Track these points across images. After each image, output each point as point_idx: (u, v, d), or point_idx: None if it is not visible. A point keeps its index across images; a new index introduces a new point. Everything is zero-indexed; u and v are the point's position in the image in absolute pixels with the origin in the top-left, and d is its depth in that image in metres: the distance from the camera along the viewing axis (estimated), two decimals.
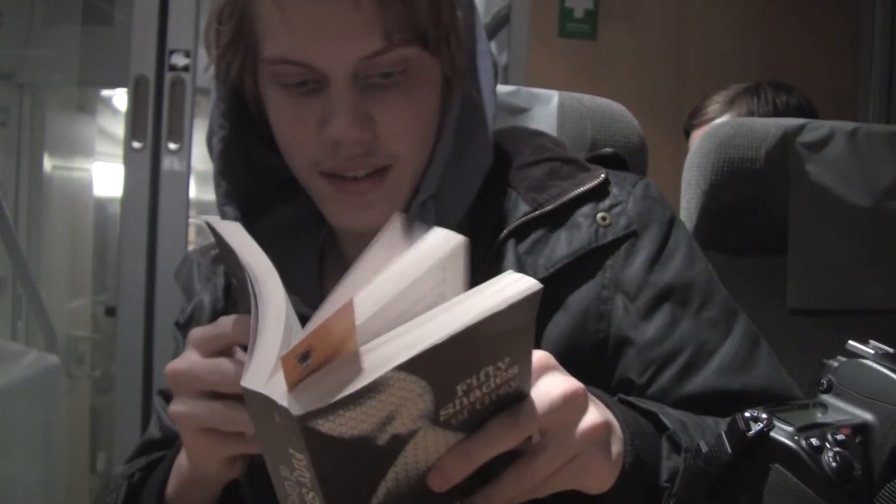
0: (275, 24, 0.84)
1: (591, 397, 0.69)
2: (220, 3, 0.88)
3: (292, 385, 0.56)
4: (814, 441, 0.62)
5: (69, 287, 3.34)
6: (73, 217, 3.43)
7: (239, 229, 0.75)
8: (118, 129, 3.63)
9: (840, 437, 0.63)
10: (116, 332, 2.52)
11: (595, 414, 0.67)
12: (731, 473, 0.64)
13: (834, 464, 0.61)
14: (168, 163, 2.41)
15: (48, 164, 3.17)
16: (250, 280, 0.68)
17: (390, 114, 0.86)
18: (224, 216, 0.94)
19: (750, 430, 0.63)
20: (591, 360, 0.91)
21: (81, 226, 3.49)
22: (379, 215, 0.89)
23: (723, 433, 0.65)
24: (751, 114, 1.86)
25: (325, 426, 0.56)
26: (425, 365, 0.56)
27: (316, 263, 0.99)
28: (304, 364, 0.56)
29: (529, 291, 0.59)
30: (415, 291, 0.63)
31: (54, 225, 3.20)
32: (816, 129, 1.52)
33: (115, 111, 3.73)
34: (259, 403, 0.58)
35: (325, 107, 0.85)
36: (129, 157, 2.43)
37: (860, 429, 0.64)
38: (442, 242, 0.66)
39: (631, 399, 0.83)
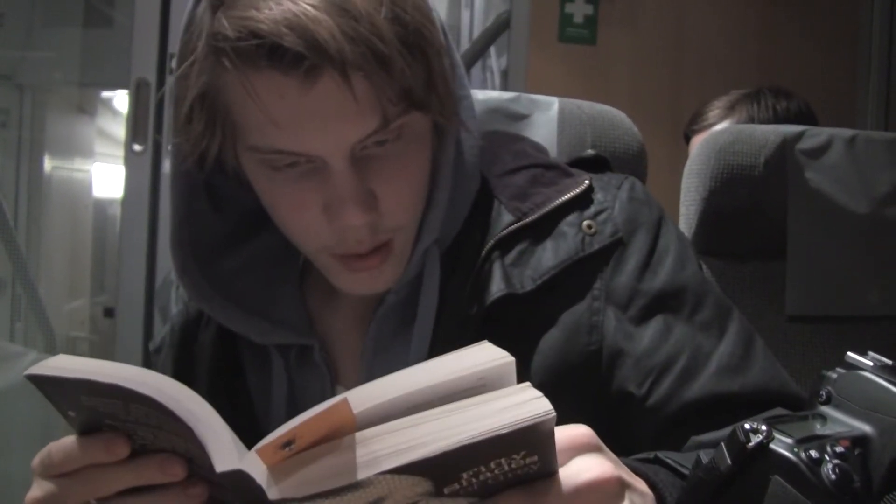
0: (258, 117, 0.79)
1: (630, 483, 0.63)
2: (187, 98, 0.82)
3: (272, 466, 0.54)
4: (813, 453, 0.62)
5: (68, 288, 3.34)
6: (73, 218, 3.43)
7: (69, 359, 0.66)
8: (118, 130, 3.63)
9: (839, 448, 0.63)
10: (115, 334, 2.52)
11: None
12: (731, 485, 0.65)
13: (833, 476, 0.61)
14: (168, 165, 2.41)
15: (48, 164, 3.17)
16: (125, 391, 0.62)
17: (390, 185, 0.84)
18: (185, 282, 0.92)
19: (750, 441, 0.63)
20: (583, 372, 0.90)
21: (81, 227, 3.49)
22: (388, 278, 0.89)
23: (722, 444, 0.65)
24: (751, 119, 1.86)
25: None
26: (416, 469, 0.53)
27: (297, 289, 0.98)
28: (286, 448, 0.53)
29: (542, 418, 0.54)
30: (438, 390, 0.57)
31: (54, 226, 3.20)
32: (815, 136, 1.52)
33: (114, 112, 3.74)
34: (237, 479, 0.57)
35: (327, 191, 0.82)
36: (130, 160, 2.44)
37: (859, 440, 0.64)
38: (488, 355, 0.60)
39: (671, 461, 0.77)
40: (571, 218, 0.94)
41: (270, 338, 0.93)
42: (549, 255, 0.92)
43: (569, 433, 0.61)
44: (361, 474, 0.53)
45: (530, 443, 0.55)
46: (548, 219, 0.94)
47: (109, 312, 3.38)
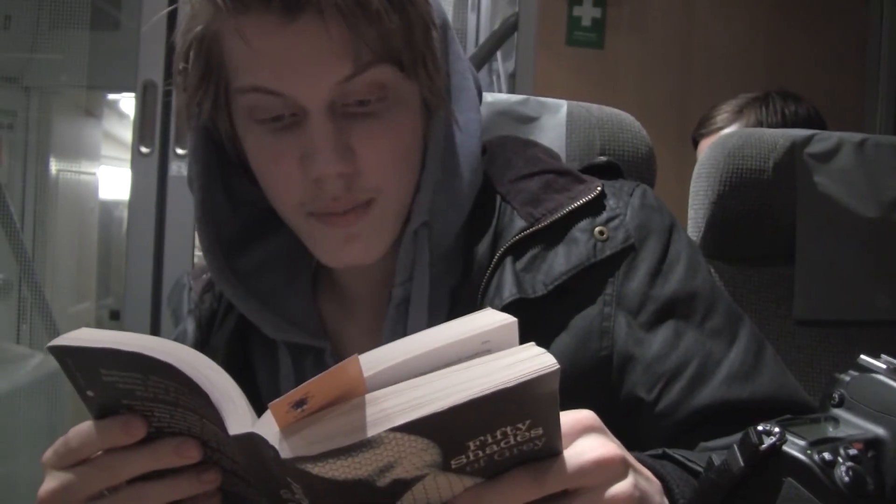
0: (244, 56, 0.83)
1: (634, 465, 0.65)
2: (185, 42, 0.86)
3: (284, 427, 0.55)
4: (826, 455, 0.62)
5: (74, 290, 3.34)
6: (79, 220, 3.43)
7: (92, 331, 0.67)
8: (124, 132, 3.63)
9: (852, 451, 0.63)
10: None
11: (628, 483, 0.62)
12: (743, 487, 0.64)
13: (847, 478, 0.61)
14: (176, 168, 2.42)
15: (54, 167, 3.17)
16: (145, 359, 0.63)
17: (371, 143, 0.85)
18: (210, 260, 0.94)
19: (762, 443, 0.63)
20: (593, 377, 0.90)
21: (87, 229, 3.49)
22: (365, 247, 0.89)
23: (735, 446, 0.65)
24: (759, 123, 1.86)
25: (316, 469, 0.55)
26: (425, 428, 0.54)
27: (310, 292, 0.98)
28: (299, 409, 0.54)
29: (546, 371, 0.55)
30: (445, 352, 0.59)
31: (60, 228, 3.20)
32: (824, 140, 1.52)
33: (121, 115, 3.74)
34: (249, 443, 0.58)
35: (303, 142, 0.84)
36: (137, 162, 2.44)
37: (872, 443, 0.64)
38: (490, 319, 0.61)
39: (679, 457, 0.78)
40: (583, 224, 0.94)
41: (284, 335, 0.94)
42: (560, 261, 0.92)
43: (573, 416, 0.63)
44: (371, 431, 0.54)
45: (536, 405, 0.56)
46: (560, 224, 0.94)
47: (115, 315, 3.39)
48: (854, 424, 0.67)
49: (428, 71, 0.87)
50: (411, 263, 0.92)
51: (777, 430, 0.63)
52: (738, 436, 0.82)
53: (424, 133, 0.91)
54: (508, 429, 0.56)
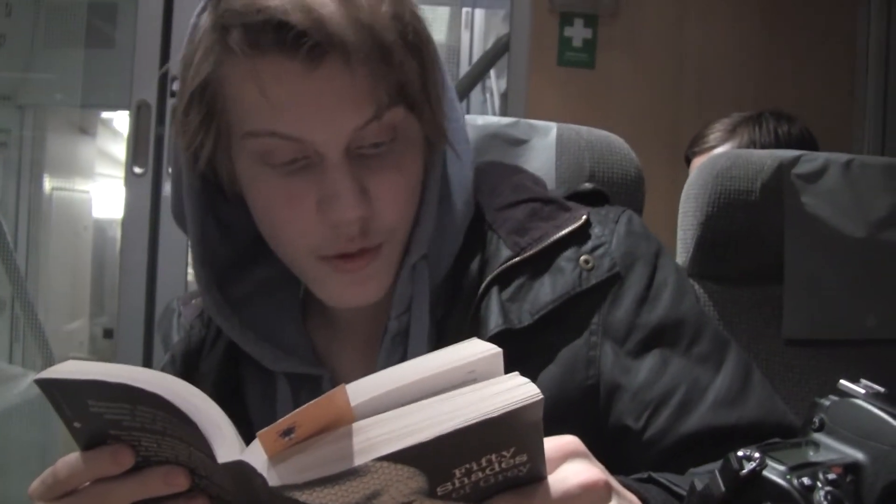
0: (259, 101, 0.81)
1: (617, 490, 0.65)
2: (189, 87, 0.85)
3: (273, 455, 0.55)
4: (805, 480, 0.62)
5: (67, 309, 3.34)
6: (73, 238, 3.43)
7: (78, 364, 0.66)
8: (118, 150, 3.64)
9: (831, 476, 0.63)
10: (114, 355, 2.52)
11: None
12: None
13: (825, 502, 0.62)
14: (169, 188, 2.42)
15: (48, 185, 3.17)
16: (133, 391, 0.63)
17: (384, 186, 0.85)
18: (207, 298, 0.93)
19: (743, 468, 0.64)
20: (580, 406, 0.90)
21: (80, 247, 3.49)
22: (375, 288, 0.89)
23: (716, 471, 0.65)
24: (752, 143, 1.87)
25: (304, 497, 0.55)
26: (411, 457, 0.55)
27: (301, 320, 0.98)
28: (287, 437, 0.55)
29: (530, 401, 0.56)
30: (431, 382, 0.59)
31: (53, 246, 3.20)
32: (811, 160, 1.53)
33: (114, 133, 3.75)
34: (238, 471, 0.58)
35: (321, 185, 0.83)
36: (131, 182, 2.44)
37: (851, 468, 0.65)
38: (475, 349, 0.62)
39: (664, 480, 0.78)
40: (569, 253, 0.94)
41: (282, 365, 0.93)
42: (546, 290, 0.92)
43: (557, 442, 0.63)
44: (358, 460, 0.54)
45: (520, 433, 0.57)
46: (546, 254, 0.94)
47: (109, 334, 3.38)
48: (834, 449, 0.68)
49: (432, 108, 0.87)
50: (408, 296, 0.91)
51: (757, 455, 0.64)
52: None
53: (424, 167, 0.92)
54: (493, 456, 0.57)
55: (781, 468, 0.63)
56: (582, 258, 0.93)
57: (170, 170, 0.92)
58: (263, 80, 0.80)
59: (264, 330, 0.95)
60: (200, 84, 0.84)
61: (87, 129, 3.47)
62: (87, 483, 0.68)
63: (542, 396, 0.56)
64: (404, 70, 0.82)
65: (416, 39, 0.84)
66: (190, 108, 0.85)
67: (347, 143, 0.82)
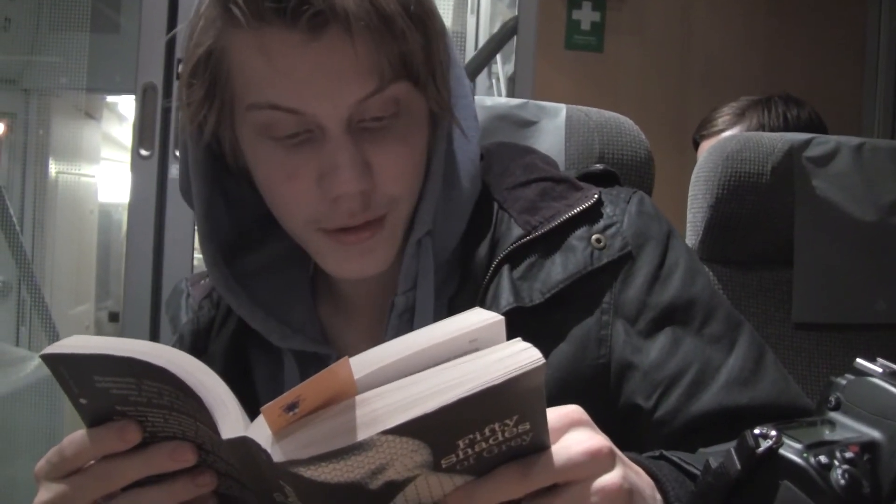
0: (260, 72, 0.81)
1: (623, 459, 0.66)
2: (194, 55, 0.84)
3: (277, 430, 0.55)
4: (822, 459, 0.62)
5: (73, 292, 3.35)
6: (78, 222, 3.43)
7: (84, 338, 0.67)
8: (123, 134, 3.64)
9: (848, 454, 0.63)
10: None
11: (616, 475, 0.63)
12: (740, 490, 0.65)
13: (843, 481, 0.61)
14: (175, 171, 2.42)
15: (53, 169, 3.17)
16: (139, 364, 0.63)
17: (387, 159, 0.84)
18: (213, 273, 0.93)
19: (759, 446, 0.63)
20: (591, 385, 0.90)
21: (86, 231, 3.50)
22: (379, 260, 0.89)
23: (732, 449, 0.65)
24: (761, 126, 1.86)
25: (308, 472, 0.55)
26: (415, 429, 0.55)
27: (310, 298, 0.98)
28: (291, 412, 0.55)
29: (532, 366, 0.56)
30: (433, 352, 0.59)
31: (59, 230, 3.20)
32: (822, 143, 1.52)
33: (120, 117, 3.75)
34: (242, 447, 0.58)
35: (321, 159, 0.82)
36: (137, 165, 2.44)
37: (868, 447, 0.65)
38: (477, 317, 0.62)
39: (676, 458, 0.77)
40: (581, 232, 0.94)
41: (290, 342, 0.93)
42: (558, 269, 0.92)
43: (560, 411, 0.63)
44: (363, 434, 0.54)
45: (523, 399, 0.57)
46: (557, 232, 0.93)
47: (114, 317, 3.39)
48: (850, 428, 0.67)
49: (437, 83, 0.86)
50: (415, 272, 0.91)
51: (773, 433, 0.63)
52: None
53: (429, 142, 0.91)
54: (497, 425, 0.57)
55: (798, 446, 0.63)
56: (594, 237, 0.93)
57: (177, 152, 0.91)
58: (266, 50, 0.79)
59: (272, 307, 0.94)
60: (203, 54, 0.84)
61: (92, 112, 3.47)
62: (94, 461, 0.68)
63: (543, 361, 0.56)
64: (407, 41, 0.80)
65: (419, 11, 0.83)
66: (193, 78, 0.85)
67: (349, 115, 0.82)
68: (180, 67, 0.89)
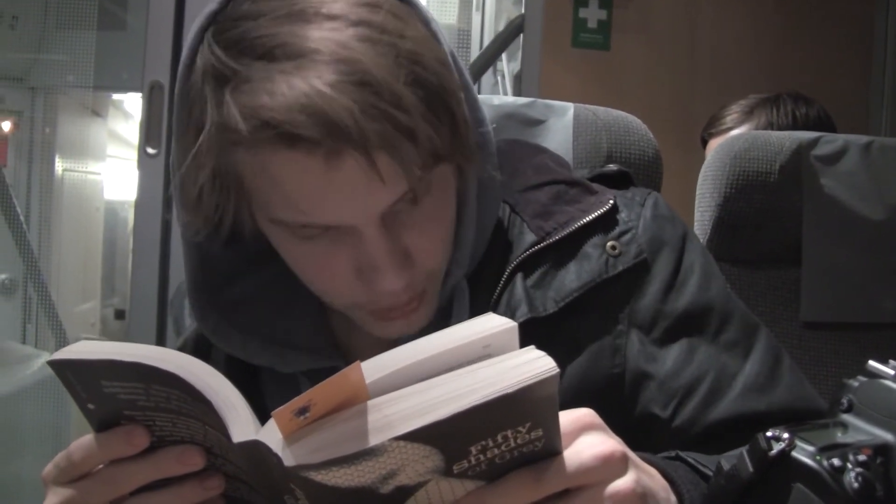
0: (280, 195, 0.75)
1: (636, 462, 0.65)
2: (197, 180, 0.76)
3: (288, 434, 0.55)
4: (835, 461, 0.62)
5: (79, 290, 3.35)
6: (84, 220, 3.44)
7: (91, 343, 0.66)
8: (129, 132, 3.64)
9: (861, 457, 0.63)
10: (126, 336, 2.52)
11: (629, 479, 0.62)
12: (752, 492, 0.65)
13: (856, 484, 0.61)
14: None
15: (60, 166, 3.17)
16: (147, 369, 0.62)
17: (424, 239, 0.81)
18: (202, 321, 0.90)
19: (771, 449, 0.63)
20: (606, 394, 0.89)
21: (92, 229, 3.50)
22: (421, 320, 0.85)
23: (744, 451, 0.65)
24: (769, 125, 1.86)
25: (319, 477, 0.55)
26: (427, 435, 0.54)
27: (318, 315, 0.94)
28: (302, 416, 0.54)
29: (547, 375, 0.55)
30: (446, 357, 0.59)
31: (65, 228, 3.20)
32: (830, 142, 1.52)
33: (126, 114, 3.75)
34: (253, 451, 0.58)
35: (359, 256, 0.78)
36: (143, 163, 2.43)
37: (881, 449, 0.64)
38: (490, 323, 0.61)
39: (691, 459, 0.77)
40: (595, 239, 0.92)
41: (296, 365, 0.90)
42: (572, 277, 0.90)
43: (572, 415, 0.63)
44: (374, 439, 0.54)
45: (536, 407, 0.57)
46: (571, 239, 0.92)
47: (120, 315, 3.39)
48: (863, 430, 0.67)
49: (464, 149, 0.80)
50: (448, 313, 0.89)
51: (786, 435, 0.63)
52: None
53: (459, 190, 0.87)
54: (509, 432, 0.57)
55: (811, 449, 0.63)
56: (608, 244, 0.92)
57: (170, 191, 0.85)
58: (283, 178, 0.74)
59: (272, 332, 0.91)
60: (210, 173, 0.76)
61: (98, 110, 3.47)
62: (102, 465, 0.68)
63: (557, 370, 0.56)
64: (433, 142, 0.74)
65: (442, 97, 0.75)
66: (202, 195, 0.78)
67: (381, 215, 0.77)
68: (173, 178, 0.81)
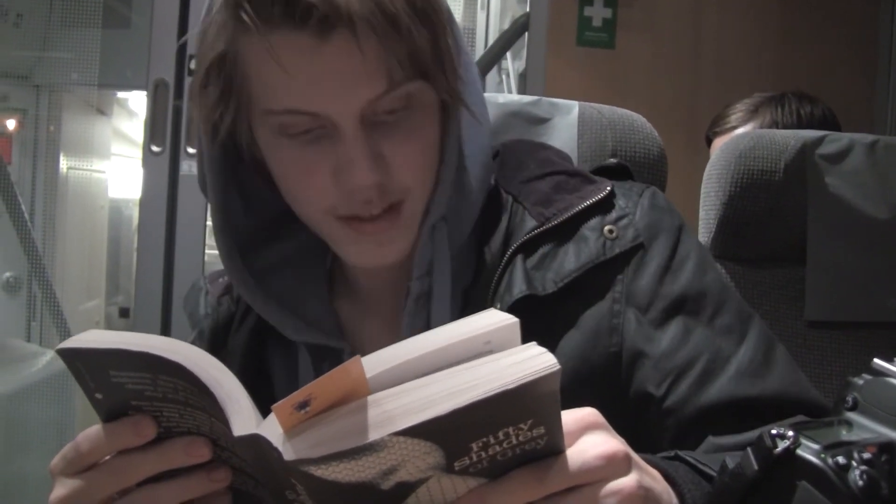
0: (274, 77, 0.83)
1: (639, 463, 0.65)
2: (205, 61, 0.86)
3: (288, 429, 0.55)
4: (840, 459, 0.62)
5: (84, 288, 3.35)
6: (89, 218, 3.44)
7: (100, 333, 0.67)
8: (134, 130, 3.64)
9: (866, 455, 0.62)
10: None
11: (631, 479, 0.62)
12: (757, 490, 0.64)
13: (861, 482, 0.61)
14: (187, 166, 2.42)
15: (64, 164, 3.18)
16: (154, 359, 0.63)
17: (400, 150, 0.86)
18: (228, 266, 0.95)
19: (776, 447, 0.63)
20: (603, 374, 0.91)
21: (96, 227, 3.50)
22: (396, 249, 0.90)
23: (749, 449, 0.65)
24: (774, 123, 1.86)
25: (319, 471, 0.55)
26: (427, 431, 0.54)
27: (326, 293, 0.99)
28: (302, 410, 0.55)
29: (547, 371, 0.55)
30: (447, 352, 0.59)
31: (70, 226, 3.21)
32: (835, 141, 1.52)
33: (130, 112, 3.75)
34: (254, 445, 0.58)
35: (337, 153, 0.85)
36: (148, 161, 2.44)
37: (886, 447, 0.64)
38: (492, 319, 0.61)
39: (691, 459, 0.77)
40: (593, 223, 0.95)
41: (303, 336, 0.95)
42: (570, 259, 0.93)
43: (575, 414, 0.63)
44: (375, 434, 0.54)
45: (538, 404, 0.56)
46: (570, 223, 0.95)
47: (125, 313, 3.40)
48: (868, 428, 0.67)
49: (447, 75, 0.88)
50: (429, 258, 0.93)
51: (791, 433, 0.63)
52: (750, 435, 0.82)
53: (441, 130, 0.92)
54: (511, 429, 0.57)
55: (815, 447, 0.63)
56: (606, 228, 0.95)
57: (188, 149, 0.93)
58: (279, 56, 0.80)
59: (288, 301, 0.96)
60: (216, 59, 0.85)
61: (103, 108, 3.47)
62: (109, 456, 0.68)
63: (559, 367, 0.56)
64: (414, 39, 0.82)
65: (424, 5, 0.84)
66: (207, 83, 0.87)
67: (361, 113, 0.83)
68: (192, 64, 0.90)
